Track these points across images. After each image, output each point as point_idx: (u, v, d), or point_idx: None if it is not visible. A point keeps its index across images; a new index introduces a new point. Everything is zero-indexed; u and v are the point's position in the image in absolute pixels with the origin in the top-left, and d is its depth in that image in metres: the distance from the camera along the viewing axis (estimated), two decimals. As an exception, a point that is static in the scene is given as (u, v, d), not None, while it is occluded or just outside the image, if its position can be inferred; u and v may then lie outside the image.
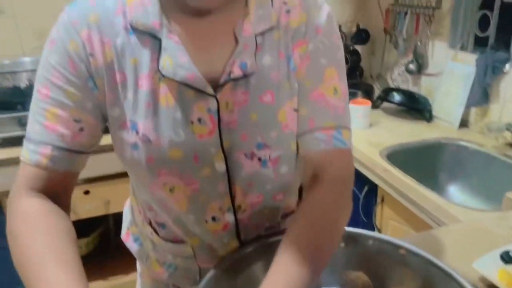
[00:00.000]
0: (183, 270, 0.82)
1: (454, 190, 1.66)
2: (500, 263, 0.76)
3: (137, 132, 0.66)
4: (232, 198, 0.72)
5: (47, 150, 0.64)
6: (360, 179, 1.55)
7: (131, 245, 0.89)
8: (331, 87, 0.69)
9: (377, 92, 2.18)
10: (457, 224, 1.07)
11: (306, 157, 0.72)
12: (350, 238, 0.76)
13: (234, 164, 0.69)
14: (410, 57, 2.06)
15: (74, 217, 1.83)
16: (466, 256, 0.80)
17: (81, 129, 0.66)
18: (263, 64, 0.67)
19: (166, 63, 0.63)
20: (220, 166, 0.69)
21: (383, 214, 1.48)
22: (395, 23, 2.12)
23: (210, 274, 0.68)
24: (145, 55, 0.64)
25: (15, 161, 1.69)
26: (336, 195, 0.68)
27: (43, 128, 0.65)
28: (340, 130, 0.69)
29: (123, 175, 1.80)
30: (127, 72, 0.64)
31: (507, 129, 1.54)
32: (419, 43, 2.01)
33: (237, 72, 0.65)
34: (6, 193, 1.70)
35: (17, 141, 1.75)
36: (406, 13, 2.03)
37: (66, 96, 0.64)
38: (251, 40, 0.65)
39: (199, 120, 0.66)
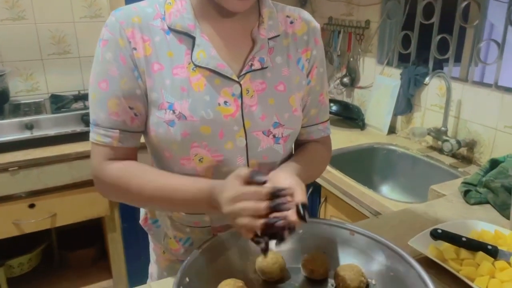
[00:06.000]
0: (198, 244, 0.89)
1: (386, 188, 1.86)
2: (430, 240, 0.91)
3: (173, 111, 0.79)
4: None
5: (116, 134, 0.81)
6: (305, 182, 1.68)
7: (150, 228, 1.01)
8: (326, 91, 0.96)
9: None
10: (392, 213, 1.23)
11: (307, 139, 0.97)
12: (308, 226, 0.86)
13: (252, 140, 0.85)
14: (344, 71, 2.27)
15: (17, 232, 1.77)
16: (402, 237, 0.93)
17: (136, 115, 0.82)
18: (276, 62, 0.86)
19: (200, 55, 0.79)
20: (241, 141, 0.84)
21: (326, 212, 1.62)
22: (330, 40, 2.33)
23: (194, 253, 0.77)
24: (180, 50, 0.80)
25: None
26: (326, 152, 1.00)
27: (109, 116, 0.80)
28: (328, 121, 0.99)
29: (71, 186, 1.80)
30: (164, 63, 0.79)
31: (428, 134, 1.77)
32: (351, 59, 2.22)
33: (257, 65, 0.82)
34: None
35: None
36: (339, 32, 2.24)
37: (121, 86, 0.79)
38: (266, 42, 0.84)
39: (225, 102, 0.81)
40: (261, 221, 0.66)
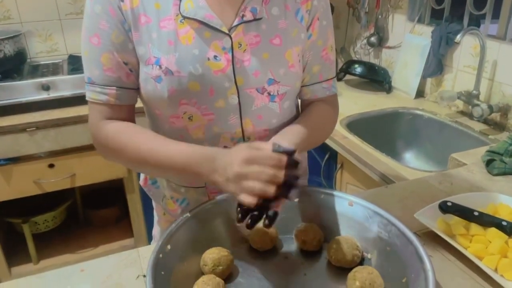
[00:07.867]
0: (194, 204, 0.89)
1: (410, 156, 1.76)
2: (439, 213, 0.83)
3: (160, 67, 0.76)
4: (243, 130, 0.83)
5: (112, 91, 0.79)
6: (321, 146, 1.61)
7: (150, 188, 1.00)
8: (330, 46, 0.89)
9: (340, 65, 2.23)
10: (404, 181, 1.15)
11: (312, 99, 0.91)
12: (304, 194, 0.81)
13: (245, 98, 0.80)
14: (372, 30, 2.11)
15: (39, 190, 1.82)
16: (410, 209, 0.86)
17: (131, 70, 0.79)
18: (272, 13, 0.80)
19: (187, 5, 0.75)
20: (233, 99, 0.80)
21: (342, 178, 1.55)
22: (358, -4, 2.17)
23: (179, 220, 0.74)
24: (168, 0, 0.75)
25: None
26: (332, 112, 0.93)
27: (103, 72, 0.77)
28: (335, 79, 0.92)
29: (89, 148, 1.81)
30: (151, 16, 0.75)
31: (459, 98, 1.63)
32: (380, 17, 2.06)
33: (248, 15, 0.77)
34: None
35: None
36: (367, -14, 2.08)
37: (113, 40, 0.76)
38: None
39: (215, 57, 0.76)
40: (274, 187, 0.63)
